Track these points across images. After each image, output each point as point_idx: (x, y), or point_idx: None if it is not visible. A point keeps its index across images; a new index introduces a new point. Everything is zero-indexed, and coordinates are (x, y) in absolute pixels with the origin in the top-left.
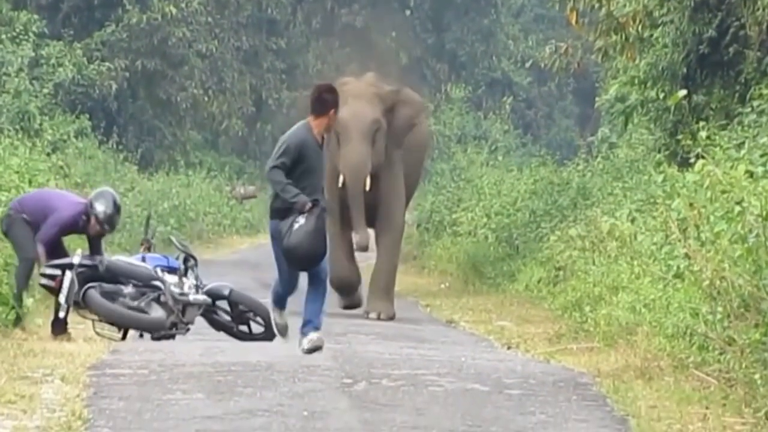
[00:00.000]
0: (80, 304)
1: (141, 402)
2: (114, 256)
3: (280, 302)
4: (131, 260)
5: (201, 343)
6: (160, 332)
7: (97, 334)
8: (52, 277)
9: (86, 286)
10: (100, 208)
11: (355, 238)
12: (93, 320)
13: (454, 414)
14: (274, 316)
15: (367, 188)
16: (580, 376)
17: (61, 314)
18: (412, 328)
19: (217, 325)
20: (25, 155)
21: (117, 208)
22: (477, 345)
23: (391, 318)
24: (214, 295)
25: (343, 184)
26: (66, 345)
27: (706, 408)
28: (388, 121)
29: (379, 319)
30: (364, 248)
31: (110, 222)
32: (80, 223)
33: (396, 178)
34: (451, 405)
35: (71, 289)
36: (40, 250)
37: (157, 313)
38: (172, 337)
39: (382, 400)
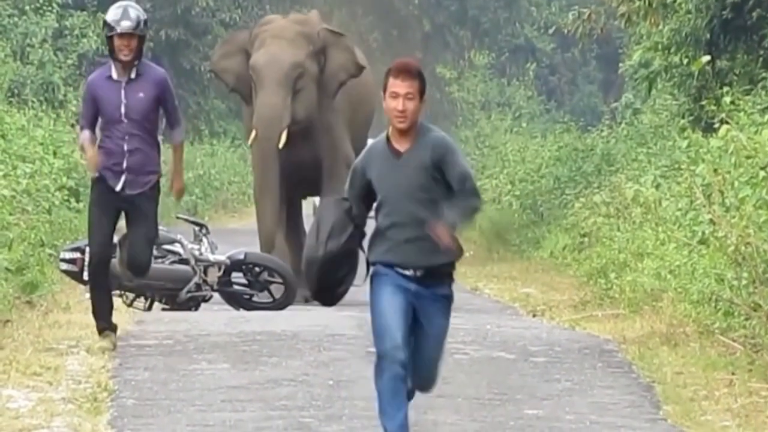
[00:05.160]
0: None
1: (166, 372)
2: None
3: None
4: None
5: (226, 313)
6: (187, 295)
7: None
8: (72, 260)
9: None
10: (109, 17)
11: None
12: (116, 294)
13: (479, 382)
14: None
15: (281, 144)
16: (605, 342)
17: (87, 295)
18: None
19: (235, 299)
20: (49, 126)
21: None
22: (502, 313)
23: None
24: (231, 261)
25: (255, 139)
26: (91, 316)
27: (732, 374)
28: (319, 67)
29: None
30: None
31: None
32: (102, 75)
33: (337, 137)
34: (477, 373)
35: None
36: (80, 139)
37: (184, 267)
38: (196, 306)
39: None
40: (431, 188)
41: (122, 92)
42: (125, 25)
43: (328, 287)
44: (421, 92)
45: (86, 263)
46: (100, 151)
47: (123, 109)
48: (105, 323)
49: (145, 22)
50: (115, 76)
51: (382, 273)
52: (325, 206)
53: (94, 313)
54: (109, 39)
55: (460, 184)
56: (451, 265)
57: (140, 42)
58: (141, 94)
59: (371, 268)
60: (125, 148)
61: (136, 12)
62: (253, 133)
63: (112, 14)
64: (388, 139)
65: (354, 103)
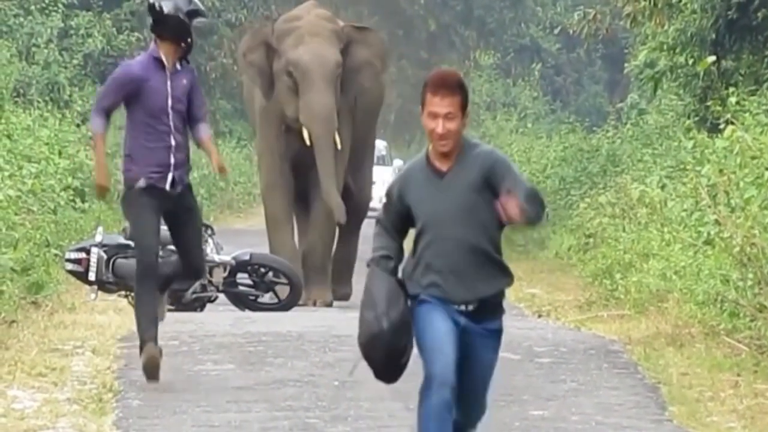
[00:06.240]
0: (106, 281)
1: (172, 373)
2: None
3: None
4: None
5: (231, 313)
6: (192, 296)
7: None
8: (77, 261)
9: (114, 257)
10: (167, 6)
11: (333, 210)
12: (121, 295)
13: None
14: None
15: (339, 146)
16: (610, 343)
17: (92, 296)
18: None
19: (240, 300)
20: (54, 126)
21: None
22: (507, 313)
23: (329, 305)
24: (236, 262)
25: (310, 142)
26: (96, 317)
27: (738, 375)
28: (343, 63)
29: (314, 305)
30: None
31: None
32: (143, 65)
33: (338, 133)
34: None
35: (99, 266)
36: (95, 128)
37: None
38: (202, 307)
39: (413, 368)
40: (480, 209)
41: (168, 81)
42: (202, 19)
43: (393, 360)
44: (464, 107)
45: (91, 263)
46: (141, 153)
47: (170, 101)
48: (150, 333)
49: None
50: (166, 63)
51: (427, 302)
52: (374, 277)
53: (139, 323)
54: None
55: (525, 194)
56: (502, 293)
57: None
58: (184, 81)
59: (415, 300)
60: (172, 142)
61: None
62: (306, 133)
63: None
64: (428, 158)
65: (360, 102)
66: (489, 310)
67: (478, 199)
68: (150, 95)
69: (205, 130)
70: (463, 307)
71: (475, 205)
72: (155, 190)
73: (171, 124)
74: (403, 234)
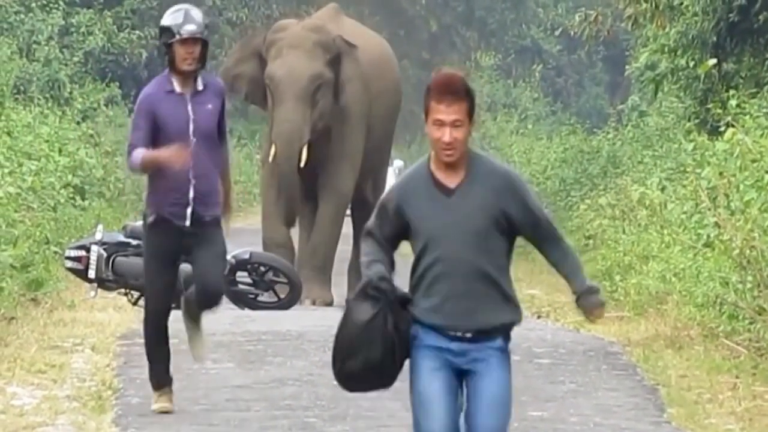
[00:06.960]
0: (106, 279)
1: (171, 372)
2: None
3: None
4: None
5: (231, 312)
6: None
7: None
8: (77, 258)
9: (114, 255)
10: (169, 22)
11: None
12: (121, 293)
13: None
14: None
15: (302, 163)
16: (610, 345)
17: (92, 293)
18: None
19: (240, 299)
20: (55, 124)
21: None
22: None
23: (329, 304)
24: (236, 260)
25: (274, 157)
26: (96, 314)
27: (736, 377)
28: (335, 73)
29: (314, 305)
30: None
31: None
32: (161, 89)
33: (347, 135)
34: None
35: (99, 263)
36: (134, 159)
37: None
38: None
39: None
40: (490, 233)
41: (189, 106)
42: (190, 29)
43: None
44: (471, 113)
45: (91, 261)
46: (157, 183)
47: (191, 126)
48: (163, 380)
49: (207, 26)
50: (178, 89)
51: (421, 345)
52: (348, 311)
53: (151, 371)
54: (169, 47)
55: (547, 231)
56: (507, 327)
57: (204, 48)
58: (209, 106)
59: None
60: (191, 174)
61: (199, 14)
62: (272, 149)
63: (171, 18)
64: (429, 171)
65: (373, 95)
66: (491, 333)
67: (488, 223)
68: (169, 121)
69: (225, 154)
70: (459, 334)
71: (485, 229)
72: (171, 227)
73: (192, 152)
74: (395, 246)
